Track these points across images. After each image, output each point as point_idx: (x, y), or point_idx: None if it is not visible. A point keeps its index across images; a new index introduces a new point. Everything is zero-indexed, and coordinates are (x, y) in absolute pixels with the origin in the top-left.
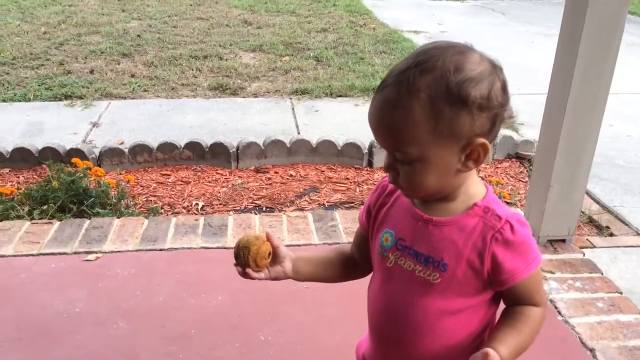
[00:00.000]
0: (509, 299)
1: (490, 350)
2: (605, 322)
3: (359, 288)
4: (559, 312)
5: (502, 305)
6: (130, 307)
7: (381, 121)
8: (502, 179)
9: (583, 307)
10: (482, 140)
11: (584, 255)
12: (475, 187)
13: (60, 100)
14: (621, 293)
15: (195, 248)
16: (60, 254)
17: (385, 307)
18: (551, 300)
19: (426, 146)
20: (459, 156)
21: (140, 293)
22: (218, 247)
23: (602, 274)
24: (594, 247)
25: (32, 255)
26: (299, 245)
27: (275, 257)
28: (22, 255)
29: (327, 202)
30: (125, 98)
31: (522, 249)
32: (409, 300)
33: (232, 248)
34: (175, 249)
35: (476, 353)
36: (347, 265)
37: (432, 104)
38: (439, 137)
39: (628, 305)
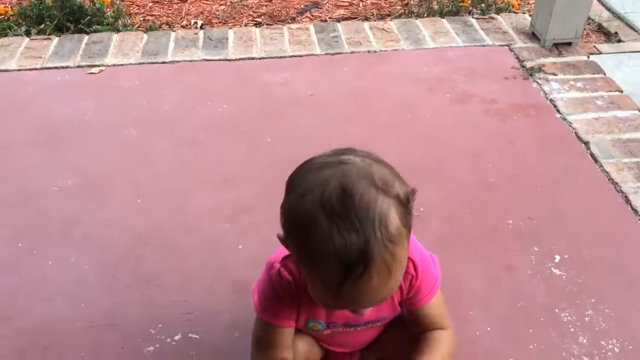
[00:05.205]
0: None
1: None
2: (603, 118)
3: (365, 92)
4: (558, 110)
5: None
6: (139, 115)
7: (378, 299)
8: None
9: (582, 105)
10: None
11: (588, 57)
12: None
13: None
14: (622, 92)
15: (197, 60)
16: (63, 67)
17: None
18: (551, 100)
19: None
20: None
21: (147, 102)
22: (220, 59)
23: (604, 74)
24: (600, 53)
25: (36, 69)
26: (300, 56)
27: None
28: (26, 70)
29: (330, 17)
30: None
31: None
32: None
33: (233, 60)
34: (177, 61)
35: None
36: None
37: (408, 237)
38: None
39: (627, 102)
